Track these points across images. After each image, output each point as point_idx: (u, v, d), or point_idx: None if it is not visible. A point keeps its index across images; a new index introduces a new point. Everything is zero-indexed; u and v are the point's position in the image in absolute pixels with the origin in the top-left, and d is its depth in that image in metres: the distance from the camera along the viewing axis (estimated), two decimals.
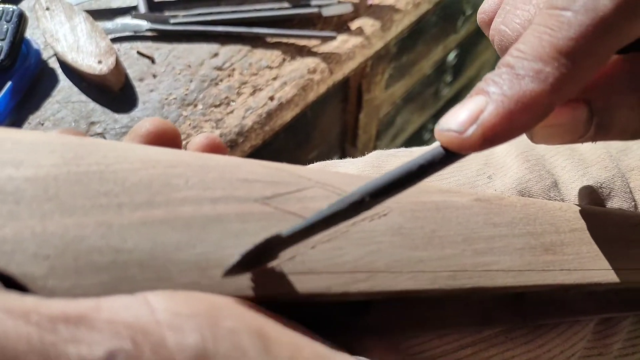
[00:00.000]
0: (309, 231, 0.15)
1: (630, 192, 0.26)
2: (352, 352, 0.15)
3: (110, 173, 0.15)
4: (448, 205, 0.20)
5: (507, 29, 0.19)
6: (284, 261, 0.16)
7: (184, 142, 0.49)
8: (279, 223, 0.16)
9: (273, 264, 0.16)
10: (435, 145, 0.16)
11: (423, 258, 0.18)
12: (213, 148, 0.21)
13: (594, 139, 0.19)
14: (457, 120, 0.15)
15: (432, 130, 1.08)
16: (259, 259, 0.15)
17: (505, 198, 0.21)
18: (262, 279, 0.15)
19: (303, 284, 0.16)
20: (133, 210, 0.15)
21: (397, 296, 0.17)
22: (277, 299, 0.15)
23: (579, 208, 0.23)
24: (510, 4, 0.19)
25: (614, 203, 0.26)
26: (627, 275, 0.21)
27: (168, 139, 0.20)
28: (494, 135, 0.15)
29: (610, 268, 0.20)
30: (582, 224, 0.22)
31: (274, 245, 0.15)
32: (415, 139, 1.03)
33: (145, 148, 0.17)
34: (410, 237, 0.18)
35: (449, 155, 0.15)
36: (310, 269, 0.16)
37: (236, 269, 0.14)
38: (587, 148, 0.28)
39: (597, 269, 0.20)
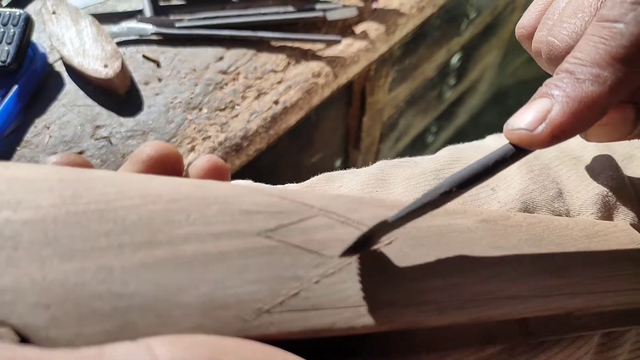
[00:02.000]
0: (407, 218, 0.16)
1: (637, 200, 0.26)
2: None
3: (110, 211, 0.15)
4: (452, 230, 0.19)
5: (556, 40, 0.21)
6: (288, 298, 0.15)
7: (188, 146, 0.50)
8: (282, 258, 0.16)
9: (278, 302, 0.15)
10: (504, 144, 0.18)
11: (428, 287, 0.17)
12: (215, 171, 0.20)
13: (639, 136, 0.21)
14: (525, 120, 0.17)
15: (435, 133, 1.08)
16: (366, 243, 0.16)
17: (511, 217, 0.21)
18: (266, 319, 0.15)
19: (307, 322, 0.15)
20: (134, 250, 0.14)
21: (404, 328, 0.17)
22: (281, 339, 0.15)
23: (585, 225, 0.23)
24: (552, 18, 0.21)
25: (620, 212, 0.25)
26: (633, 296, 0.21)
27: (169, 163, 0.19)
28: (561, 132, 0.17)
29: (616, 289, 0.20)
30: (587, 243, 0.22)
31: (379, 231, 0.16)
32: (418, 142, 1.03)
33: (145, 180, 0.16)
34: (415, 266, 0.18)
35: (518, 152, 0.17)
36: (314, 305, 0.15)
37: (349, 252, 0.16)
38: (592, 157, 0.28)
39: (603, 291, 0.20)
